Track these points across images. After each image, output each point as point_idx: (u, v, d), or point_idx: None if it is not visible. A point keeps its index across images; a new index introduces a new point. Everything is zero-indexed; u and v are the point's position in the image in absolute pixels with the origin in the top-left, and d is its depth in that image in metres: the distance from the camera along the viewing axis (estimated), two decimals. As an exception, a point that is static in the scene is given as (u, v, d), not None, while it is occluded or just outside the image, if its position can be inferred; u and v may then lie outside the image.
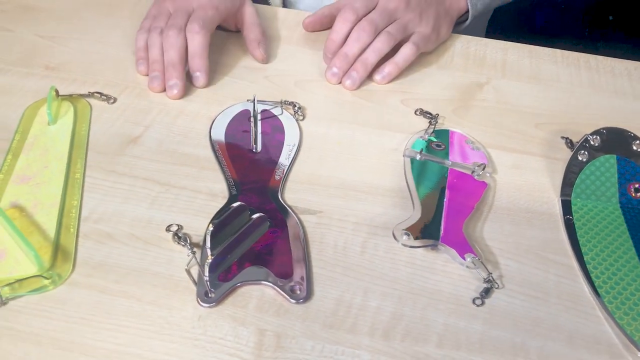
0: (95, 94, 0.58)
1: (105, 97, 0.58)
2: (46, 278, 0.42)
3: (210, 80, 0.61)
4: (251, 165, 0.52)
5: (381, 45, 0.61)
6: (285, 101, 0.59)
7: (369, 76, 0.62)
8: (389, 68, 0.62)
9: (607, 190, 0.51)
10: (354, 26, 0.61)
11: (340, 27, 0.62)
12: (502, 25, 0.99)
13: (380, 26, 0.61)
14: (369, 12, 0.62)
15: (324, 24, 0.70)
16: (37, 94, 0.58)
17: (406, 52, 0.62)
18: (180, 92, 0.59)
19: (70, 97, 0.58)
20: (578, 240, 0.47)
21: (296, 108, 0.58)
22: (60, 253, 0.44)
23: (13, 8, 0.71)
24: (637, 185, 0.51)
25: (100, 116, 0.57)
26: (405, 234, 0.45)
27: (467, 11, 0.71)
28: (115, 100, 0.58)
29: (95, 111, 0.57)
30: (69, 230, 0.46)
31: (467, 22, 0.72)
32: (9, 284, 0.41)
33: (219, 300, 0.42)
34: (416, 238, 0.45)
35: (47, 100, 0.55)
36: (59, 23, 0.69)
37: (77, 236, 0.46)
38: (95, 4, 0.73)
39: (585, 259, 0.46)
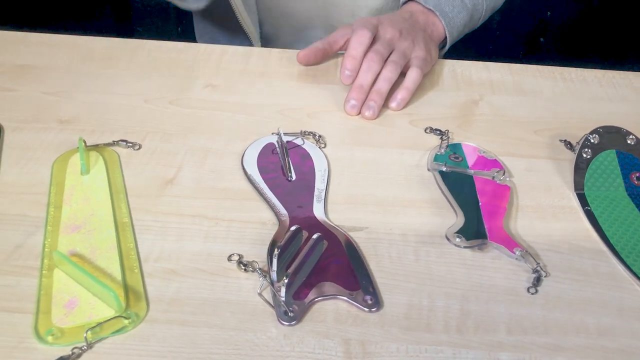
0: (120, 142, 0.59)
1: (130, 144, 0.59)
2: (126, 318, 0.43)
3: (228, 120, 0.64)
4: (291, 192, 0.54)
5: (390, 74, 0.65)
6: (304, 131, 0.62)
7: (384, 104, 0.66)
8: (401, 94, 0.66)
9: (613, 182, 0.57)
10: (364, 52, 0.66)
11: (356, 47, 0.66)
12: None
13: (385, 55, 0.66)
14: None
15: (318, 56, 0.74)
16: (59, 147, 0.59)
17: (413, 76, 0.67)
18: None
19: (96, 147, 0.59)
20: (601, 226, 0.52)
21: (317, 137, 0.61)
22: (131, 293, 0.45)
23: (10, 69, 0.71)
24: (638, 175, 0.57)
25: (130, 162, 0.58)
26: (458, 236, 0.49)
27: (445, 38, 0.77)
28: (140, 146, 0.60)
29: (124, 158, 0.58)
30: (133, 272, 0.47)
31: (446, 48, 0.78)
32: (90, 328, 0.42)
33: (299, 318, 0.44)
34: (468, 239, 0.49)
35: (79, 151, 0.56)
36: (59, 79, 0.70)
37: (143, 276, 0.47)
38: (90, 58, 0.74)
39: (612, 242, 0.51)
